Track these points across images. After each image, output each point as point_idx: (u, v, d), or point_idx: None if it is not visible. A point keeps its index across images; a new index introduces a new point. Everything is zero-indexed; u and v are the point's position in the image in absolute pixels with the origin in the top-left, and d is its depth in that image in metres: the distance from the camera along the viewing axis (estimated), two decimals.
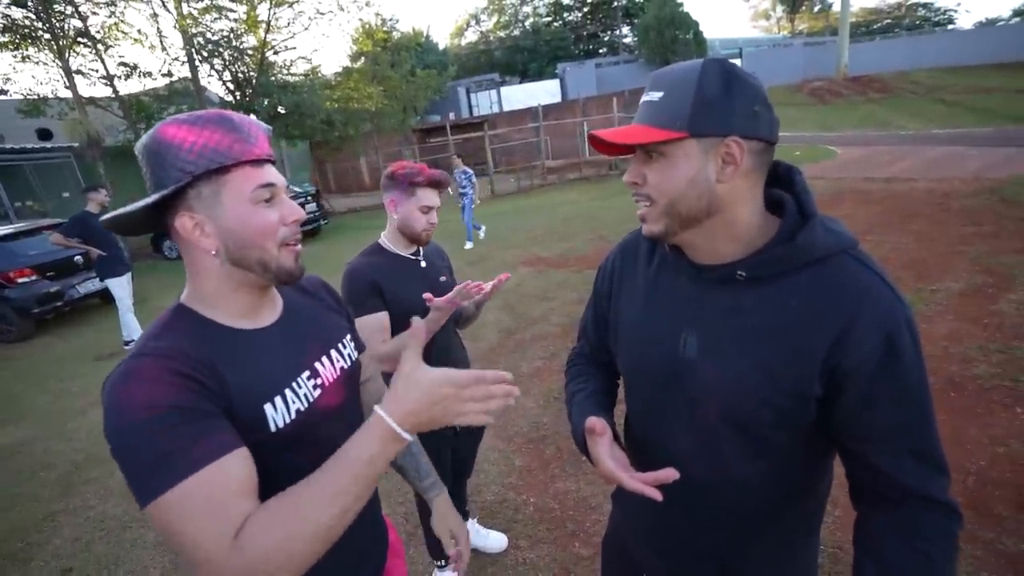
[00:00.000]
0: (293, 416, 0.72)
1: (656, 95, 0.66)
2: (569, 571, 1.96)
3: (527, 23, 41.25)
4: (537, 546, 2.10)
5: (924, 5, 40.13)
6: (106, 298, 7.32)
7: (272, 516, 0.58)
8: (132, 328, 5.28)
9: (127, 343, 5.32)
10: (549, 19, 40.87)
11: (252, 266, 0.71)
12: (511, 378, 0.66)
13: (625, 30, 39.32)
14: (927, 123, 15.29)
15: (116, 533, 2.54)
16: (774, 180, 0.72)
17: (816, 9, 43.01)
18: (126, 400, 0.59)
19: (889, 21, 39.99)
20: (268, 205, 0.70)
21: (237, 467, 0.61)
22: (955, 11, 38.20)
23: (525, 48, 39.22)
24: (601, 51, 40.16)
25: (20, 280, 6.10)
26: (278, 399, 0.71)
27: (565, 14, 40.59)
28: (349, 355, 0.87)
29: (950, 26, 36.36)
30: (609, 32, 40.73)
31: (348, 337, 0.89)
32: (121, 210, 0.69)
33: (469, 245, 8.16)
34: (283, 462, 0.69)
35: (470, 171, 8.32)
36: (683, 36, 26.09)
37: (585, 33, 40.34)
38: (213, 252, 0.69)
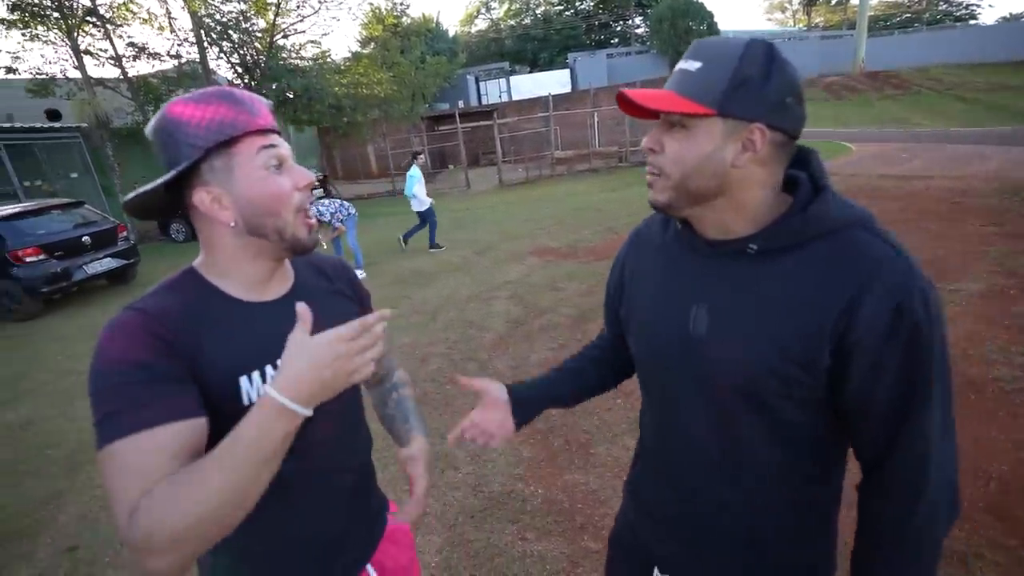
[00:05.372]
0: None
1: (694, 64, 0.64)
2: (577, 564, 1.93)
3: (538, 11, 40.73)
4: (545, 538, 2.07)
5: None
6: (112, 279, 7.35)
7: (162, 495, 0.56)
8: None
9: None
10: (561, 8, 40.32)
11: (269, 234, 0.72)
12: (389, 313, 0.65)
13: (638, 20, 38.77)
14: (945, 121, 15.03)
15: None
16: (791, 162, 0.71)
17: (833, 2, 42.19)
18: (104, 348, 0.63)
19: (909, 15, 39.12)
20: (278, 172, 0.72)
21: (178, 436, 0.60)
22: (978, 6, 37.11)
23: (536, 37, 38.77)
24: (613, 41, 39.63)
25: (28, 259, 6.11)
26: (255, 373, 0.71)
27: (577, 3, 40.05)
28: None
29: (972, 21, 35.57)
30: (621, 22, 40.16)
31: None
32: (140, 190, 0.70)
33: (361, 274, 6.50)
34: None
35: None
36: (697, 27, 25.69)
37: (597, 23, 39.80)
38: (232, 224, 0.70)
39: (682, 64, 0.66)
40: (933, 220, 5.85)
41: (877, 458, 0.67)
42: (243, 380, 0.69)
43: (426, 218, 7.38)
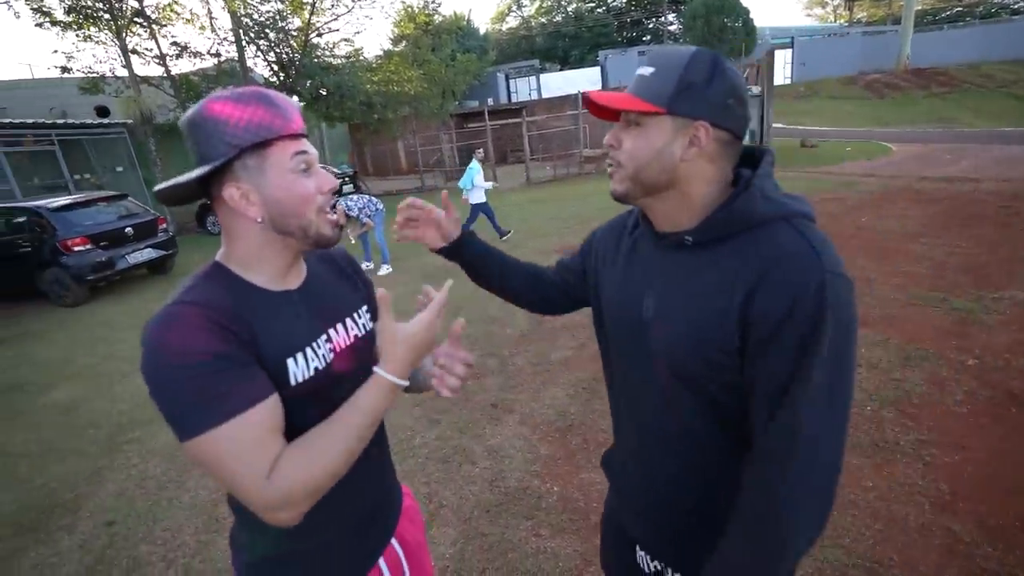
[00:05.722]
0: (311, 373, 0.77)
1: (648, 70, 0.72)
2: (591, 563, 1.93)
3: (570, 9, 40.46)
4: (559, 535, 2.07)
5: None
6: (152, 269, 7.68)
7: (298, 456, 0.68)
8: None
9: None
10: (592, 5, 39.96)
11: (294, 232, 0.76)
12: (450, 283, 0.80)
13: (671, 17, 38.07)
14: (996, 120, 14.29)
15: (154, 492, 2.66)
16: (750, 162, 0.77)
17: None
18: (169, 343, 0.64)
19: (960, 9, 37.12)
20: (306, 175, 0.75)
21: (270, 411, 0.68)
22: None
23: (566, 35, 38.56)
24: (645, 39, 39.07)
25: (76, 248, 6.43)
26: (299, 355, 0.76)
27: (609, 0, 39.60)
28: (364, 325, 0.91)
29: None
30: (654, 19, 39.53)
31: (364, 308, 0.93)
32: (174, 181, 0.73)
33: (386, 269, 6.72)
34: (299, 415, 0.74)
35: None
36: (732, 24, 25.07)
37: (629, 20, 39.30)
38: (259, 220, 0.74)
39: (639, 70, 0.74)
40: (979, 225, 5.58)
41: (757, 434, 0.69)
42: (290, 362, 0.74)
43: (478, 211, 7.54)
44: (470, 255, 1.02)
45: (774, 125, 14.14)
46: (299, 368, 0.75)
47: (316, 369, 0.77)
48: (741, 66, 14.62)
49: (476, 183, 7.43)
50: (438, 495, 2.38)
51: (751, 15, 25.49)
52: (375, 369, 0.73)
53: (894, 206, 6.86)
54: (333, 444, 0.69)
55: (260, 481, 0.65)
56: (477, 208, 7.55)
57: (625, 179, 0.76)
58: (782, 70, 26.42)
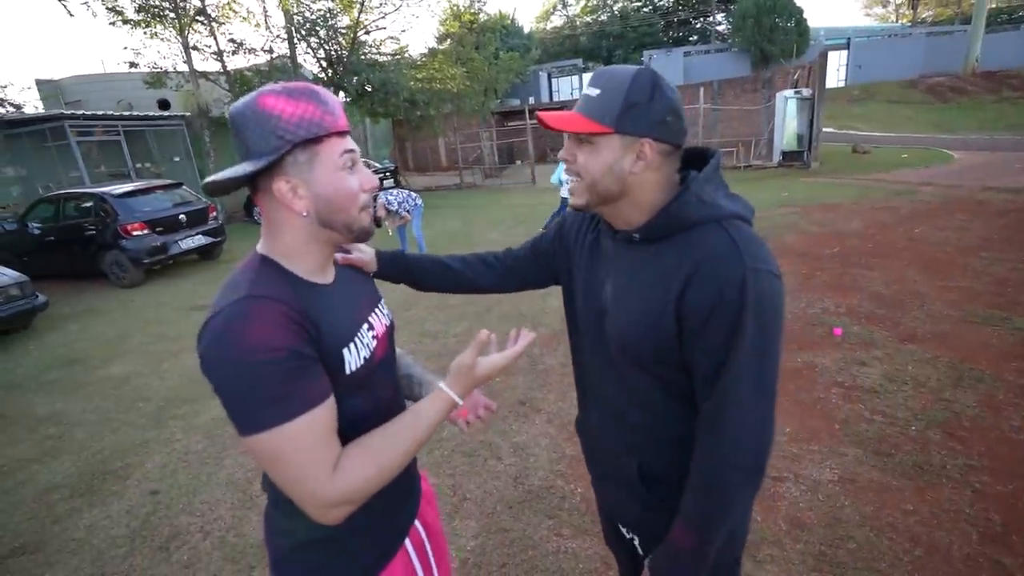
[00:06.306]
0: (362, 362, 0.80)
1: (595, 91, 0.78)
2: (611, 567, 1.92)
3: (615, 8, 39.91)
4: (580, 536, 2.07)
5: None
6: (202, 255, 8.07)
7: (362, 455, 0.72)
8: None
9: None
10: (639, 4, 39.28)
11: (339, 227, 0.78)
12: (533, 336, 0.89)
13: (719, 17, 37.04)
14: None
15: (196, 467, 2.80)
16: (701, 163, 0.84)
17: None
18: (248, 339, 0.64)
19: None
20: (351, 172, 0.77)
21: (331, 410, 0.71)
22: None
23: (611, 34, 38.07)
24: (691, 39, 38.16)
25: (135, 233, 6.83)
26: (352, 345, 0.79)
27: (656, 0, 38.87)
28: (388, 314, 0.97)
29: None
30: (702, 19, 38.54)
31: (382, 300, 0.99)
32: (227, 174, 0.74)
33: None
34: (348, 402, 0.77)
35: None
36: (784, 24, 24.19)
37: (676, 20, 38.45)
38: (304, 214, 0.74)
39: (586, 90, 0.80)
40: None
41: (699, 410, 0.79)
42: (345, 352, 0.76)
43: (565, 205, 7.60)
44: (396, 277, 1.10)
45: (825, 129, 13.56)
46: (352, 357, 0.77)
47: (365, 358, 0.80)
48: (791, 68, 14.07)
49: (563, 178, 7.51)
50: (462, 488, 2.42)
51: (804, 15, 24.53)
52: (442, 386, 0.80)
53: (952, 217, 6.47)
54: (397, 449, 0.74)
55: (323, 479, 0.67)
56: (566, 200, 7.59)
57: (584, 192, 0.83)
58: (835, 72, 25.31)
